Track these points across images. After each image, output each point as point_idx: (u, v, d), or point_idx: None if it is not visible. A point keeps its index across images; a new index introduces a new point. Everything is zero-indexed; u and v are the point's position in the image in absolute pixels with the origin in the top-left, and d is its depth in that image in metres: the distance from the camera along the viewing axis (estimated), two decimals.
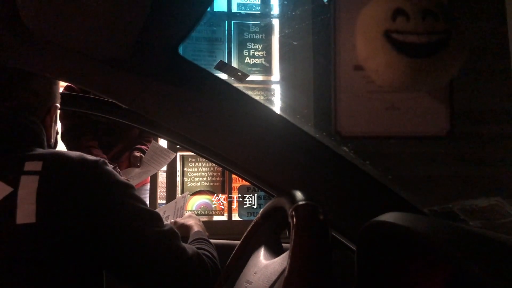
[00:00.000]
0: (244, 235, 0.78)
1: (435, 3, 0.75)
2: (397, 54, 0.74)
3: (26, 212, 0.74)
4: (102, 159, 0.86)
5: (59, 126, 1.11)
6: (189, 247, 0.91)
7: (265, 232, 0.75)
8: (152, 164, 2.11)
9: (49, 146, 0.96)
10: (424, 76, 0.76)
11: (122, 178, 0.88)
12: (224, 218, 2.23)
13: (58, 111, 0.99)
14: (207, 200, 2.27)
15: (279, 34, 2.31)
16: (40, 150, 0.85)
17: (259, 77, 2.34)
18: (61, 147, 2.12)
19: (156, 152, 2.09)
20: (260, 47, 2.33)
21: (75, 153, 0.85)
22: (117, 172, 0.89)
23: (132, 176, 2.10)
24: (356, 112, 0.81)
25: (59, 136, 1.09)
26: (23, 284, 0.72)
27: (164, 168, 2.21)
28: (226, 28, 2.30)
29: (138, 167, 2.12)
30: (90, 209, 0.79)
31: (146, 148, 2.19)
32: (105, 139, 2.17)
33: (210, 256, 0.96)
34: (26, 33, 0.77)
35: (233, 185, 2.28)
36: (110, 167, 0.87)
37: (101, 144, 2.16)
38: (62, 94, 1.04)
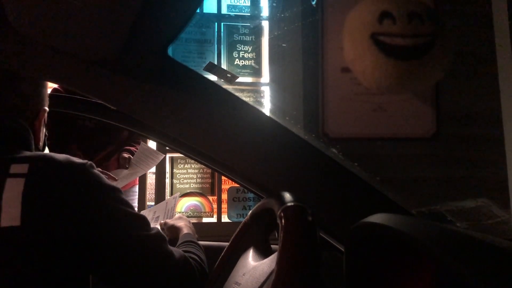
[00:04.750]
0: (233, 237, 0.78)
1: (421, 6, 0.76)
2: (384, 56, 0.74)
3: (11, 215, 0.73)
4: (89, 162, 0.85)
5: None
6: (176, 251, 0.91)
7: (254, 233, 0.75)
8: (141, 166, 2.10)
9: (37, 149, 0.95)
10: (410, 78, 0.76)
11: (109, 181, 0.87)
12: (214, 219, 2.23)
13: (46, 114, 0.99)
14: (196, 202, 2.26)
15: (269, 36, 2.31)
16: (27, 153, 0.84)
17: (248, 79, 2.33)
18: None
19: (145, 154, 2.08)
20: (249, 49, 2.32)
21: (62, 156, 0.84)
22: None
23: (121, 178, 2.08)
24: (343, 114, 0.82)
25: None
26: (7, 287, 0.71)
27: (153, 169, 2.20)
28: (216, 30, 2.30)
29: (126, 168, 2.11)
30: (76, 213, 0.78)
31: (135, 149, 2.18)
32: (94, 141, 2.16)
33: (198, 259, 0.95)
34: (13, 33, 0.76)
35: (223, 186, 2.27)
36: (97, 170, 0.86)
37: (90, 146, 2.14)
38: (50, 95, 1.03)
